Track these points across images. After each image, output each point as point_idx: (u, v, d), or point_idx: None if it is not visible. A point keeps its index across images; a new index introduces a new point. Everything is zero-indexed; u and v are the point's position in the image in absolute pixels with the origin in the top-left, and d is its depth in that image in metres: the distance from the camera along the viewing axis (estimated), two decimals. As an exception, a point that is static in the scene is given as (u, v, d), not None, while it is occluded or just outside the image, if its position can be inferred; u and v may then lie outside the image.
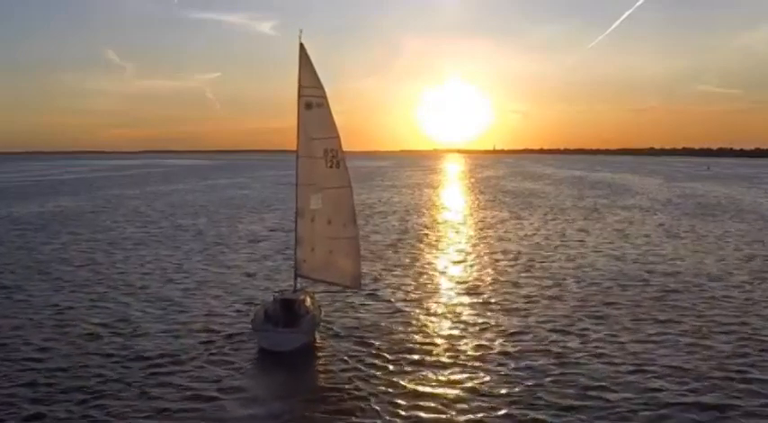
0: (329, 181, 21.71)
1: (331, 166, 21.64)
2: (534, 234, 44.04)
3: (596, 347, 19.70)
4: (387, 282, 28.53)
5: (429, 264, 33.15)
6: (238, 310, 23.44)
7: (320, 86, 21.39)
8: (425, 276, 29.90)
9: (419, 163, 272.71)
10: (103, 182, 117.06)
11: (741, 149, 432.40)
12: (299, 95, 21.48)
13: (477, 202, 73.53)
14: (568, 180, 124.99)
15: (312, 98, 21.47)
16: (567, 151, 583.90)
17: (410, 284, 28.09)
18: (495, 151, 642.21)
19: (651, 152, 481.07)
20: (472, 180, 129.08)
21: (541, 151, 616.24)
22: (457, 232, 45.88)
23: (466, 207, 67.02)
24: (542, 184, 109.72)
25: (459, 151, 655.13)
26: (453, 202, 75.44)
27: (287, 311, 20.07)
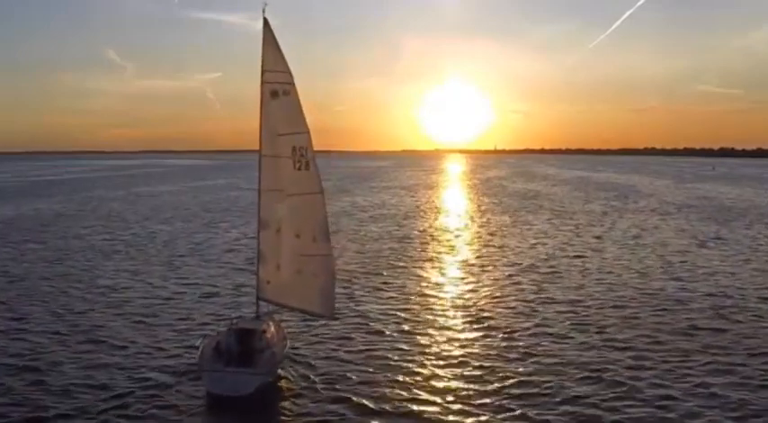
0: (298, 185, 17.92)
1: (300, 168, 17.83)
2: (543, 243, 39.67)
3: (637, 402, 15.32)
4: (374, 305, 24.10)
5: (425, 281, 28.53)
6: (186, 343, 19.10)
7: (287, 70, 17.73)
8: (420, 298, 25.28)
9: (420, 163, 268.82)
10: (94, 183, 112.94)
11: (743, 150, 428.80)
12: (262, 82, 17.85)
13: (479, 205, 69.22)
14: (573, 181, 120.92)
15: (278, 85, 17.81)
16: (567, 151, 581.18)
17: (402, 309, 23.62)
18: (496, 151, 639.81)
19: (652, 152, 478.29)
20: (474, 181, 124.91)
21: (542, 151, 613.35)
22: (458, 241, 41.43)
23: (468, 211, 62.66)
24: (547, 186, 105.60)
25: (460, 151, 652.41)
26: (455, 205, 71.16)
27: (243, 345, 16.21)
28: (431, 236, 43.17)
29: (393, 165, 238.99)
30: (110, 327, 21.10)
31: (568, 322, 21.66)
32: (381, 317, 22.31)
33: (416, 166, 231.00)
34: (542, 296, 25.36)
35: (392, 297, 25.26)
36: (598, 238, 41.77)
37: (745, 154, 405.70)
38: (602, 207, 64.36)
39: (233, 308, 22.77)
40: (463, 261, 33.55)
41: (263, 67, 17.71)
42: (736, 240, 40.57)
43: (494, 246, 38.41)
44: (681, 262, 32.82)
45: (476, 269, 31.12)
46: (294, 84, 17.69)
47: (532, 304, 24.10)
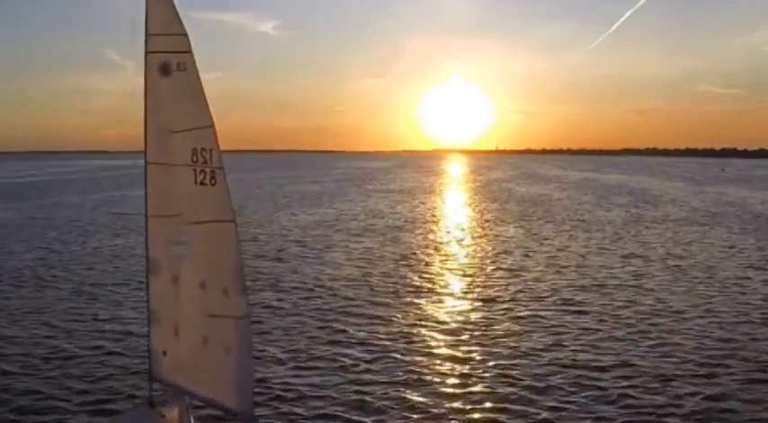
0: (201, 209, 10.98)
1: (203, 182, 10.82)
2: (566, 266, 32.33)
3: None
4: (337, 382, 16.96)
5: (412, 332, 21.24)
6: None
7: (182, 32, 10.69)
8: (407, 368, 18.03)
9: (420, 163, 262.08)
10: (71, 184, 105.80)
11: (745, 150, 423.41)
12: (148, 51, 10.77)
13: (484, 213, 62.04)
14: (581, 184, 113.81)
15: (170, 55, 10.78)
16: (569, 151, 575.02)
17: (379, 384, 16.66)
18: (497, 151, 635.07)
19: (654, 152, 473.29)
20: (477, 183, 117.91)
21: (543, 151, 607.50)
22: (461, 264, 34.05)
23: (472, 221, 55.42)
24: (554, 189, 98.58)
25: (460, 151, 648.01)
26: (457, 213, 64.05)
27: None
28: (424, 258, 35.82)
29: (393, 165, 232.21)
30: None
31: (613, 394, 14.62)
32: (344, 401, 15.16)
33: (417, 166, 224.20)
34: (582, 354, 18.25)
35: (365, 364, 18.07)
36: (629, 256, 34.68)
37: (747, 154, 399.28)
38: (623, 215, 57.26)
39: (125, 386, 15.60)
40: (467, 294, 26.23)
41: (147, 29, 10.72)
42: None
43: (505, 269, 31.21)
44: (753, 297, 25.62)
45: (483, 307, 23.88)
46: (192, 52, 10.72)
47: (566, 360, 17.05)
